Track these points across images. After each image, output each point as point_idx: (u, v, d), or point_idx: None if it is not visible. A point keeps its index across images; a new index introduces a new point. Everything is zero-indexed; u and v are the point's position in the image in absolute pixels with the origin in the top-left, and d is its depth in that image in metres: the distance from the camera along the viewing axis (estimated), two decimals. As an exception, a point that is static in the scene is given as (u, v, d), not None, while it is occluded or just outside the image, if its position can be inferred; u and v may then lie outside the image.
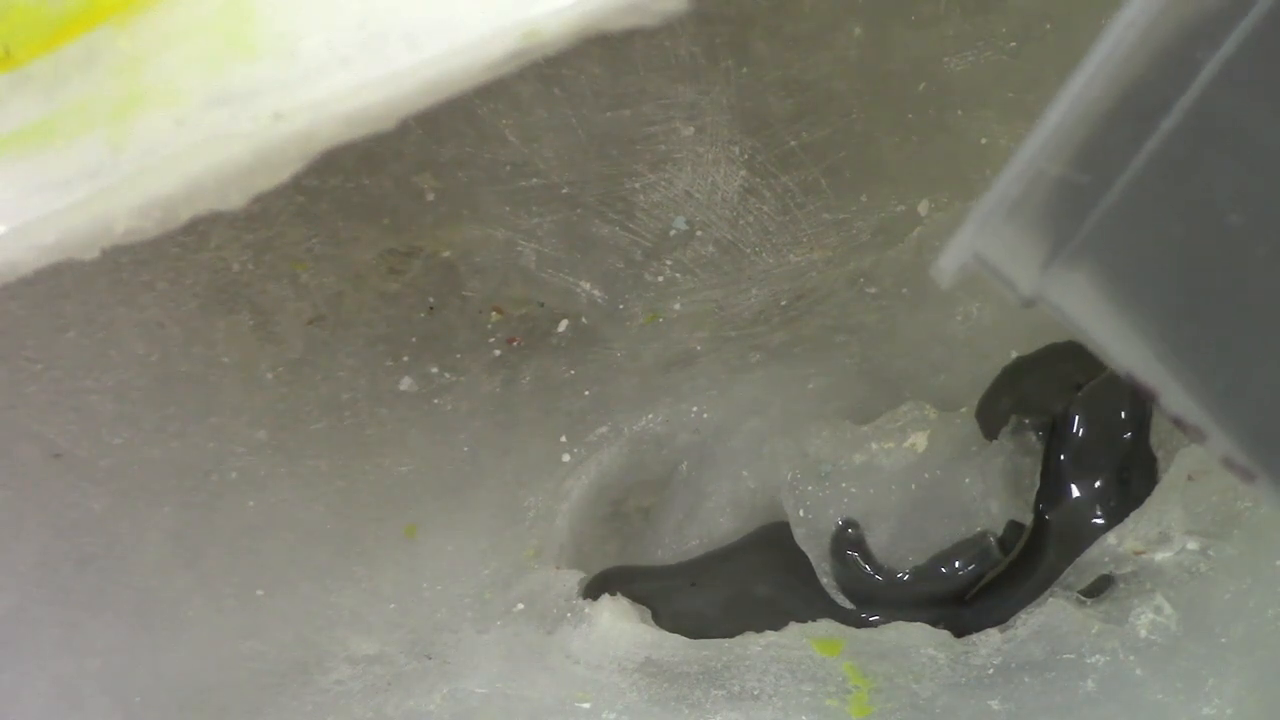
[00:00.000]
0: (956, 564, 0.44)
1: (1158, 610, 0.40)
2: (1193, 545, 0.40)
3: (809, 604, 0.45)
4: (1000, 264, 0.25)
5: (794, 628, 0.44)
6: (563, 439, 0.49)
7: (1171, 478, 0.42)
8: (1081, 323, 0.25)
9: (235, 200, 0.26)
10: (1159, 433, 0.44)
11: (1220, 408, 0.25)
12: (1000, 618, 0.43)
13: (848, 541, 0.44)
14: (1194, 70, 0.22)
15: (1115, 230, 0.24)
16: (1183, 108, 0.23)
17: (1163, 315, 0.25)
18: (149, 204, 0.26)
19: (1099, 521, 0.43)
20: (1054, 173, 0.23)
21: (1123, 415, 0.44)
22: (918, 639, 0.42)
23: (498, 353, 0.49)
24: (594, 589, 0.46)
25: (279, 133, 0.25)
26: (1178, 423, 0.26)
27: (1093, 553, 0.42)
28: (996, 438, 0.45)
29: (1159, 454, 0.44)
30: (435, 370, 0.48)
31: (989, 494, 0.44)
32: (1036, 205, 0.24)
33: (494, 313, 0.49)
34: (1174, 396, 0.25)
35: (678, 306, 0.49)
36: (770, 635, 0.43)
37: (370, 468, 0.47)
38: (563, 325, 0.49)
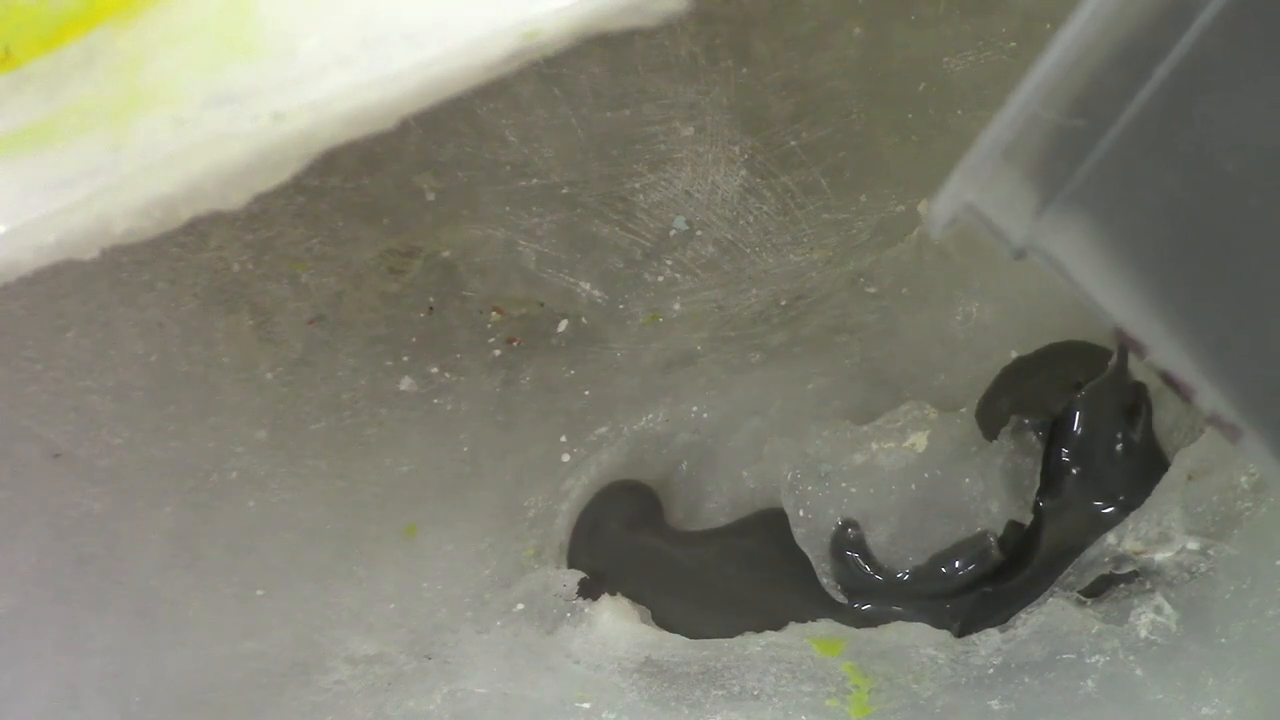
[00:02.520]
0: (956, 564, 0.44)
1: (1158, 610, 0.40)
2: (1193, 545, 0.40)
3: (809, 604, 0.45)
4: (992, 213, 0.25)
5: (794, 628, 0.44)
6: (563, 439, 0.49)
7: (1171, 478, 0.42)
8: (1073, 273, 0.25)
9: (235, 200, 0.26)
10: (1159, 433, 0.44)
11: (1210, 362, 0.25)
12: (1000, 618, 0.43)
13: (848, 541, 0.44)
14: (1189, 17, 0.22)
15: (1108, 178, 0.23)
16: (1178, 54, 0.22)
17: (1155, 266, 0.24)
18: (149, 204, 0.26)
19: (1099, 522, 0.43)
20: (1047, 117, 0.23)
21: (1123, 415, 0.44)
22: (918, 639, 0.42)
23: (498, 353, 0.49)
24: (604, 496, 0.47)
25: (279, 133, 0.25)
26: (1166, 379, 0.25)
27: (1093, 553, 0.42)
28: (996, 438, 0.45)
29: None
30: (435, 370, 0.48)
31: (989, 494, 0.44)
32: (1030, 151, 0.23)
33: (494, 313, 0.49)
34: (1164, 351, 0.25)
35: (678, 306, 0.49)
36: (770, 635, 0.43)
37: (370, 468, 0.47)
38: (563, 325, 0.49)
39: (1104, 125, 0.23)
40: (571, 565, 0.47)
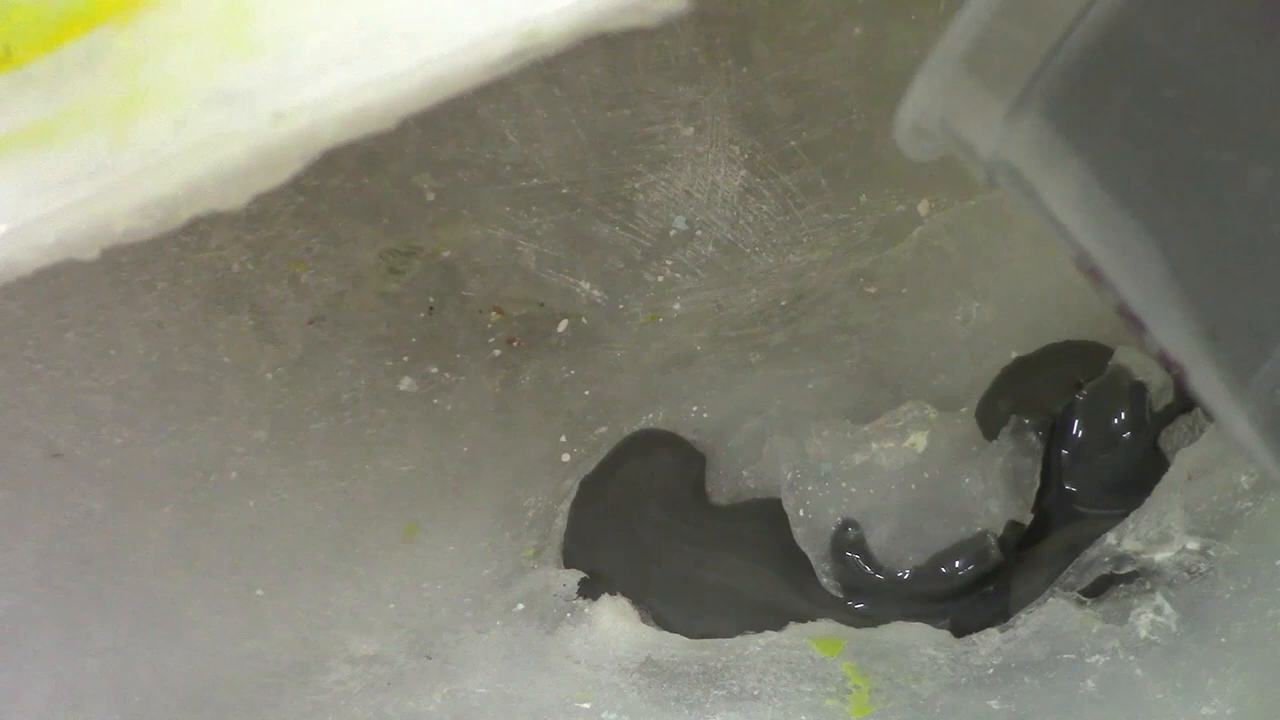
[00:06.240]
0: (956, 564, 0.44)
1: (1158, 610, 0.40)
2: (1193, 545, 0.40)
3: (809, 603, 0.45)
4: (959, 123, 0.24)
5: (794, 628, 0.44)
6: (563, 439, 0.49)
7: (1171, 478, 0.42)
8: (1039, 192, 0.24)
9: (235, 200, 0.26)
10: (1159, 433, 0.44)
11: (1163, 295, 0.24)
12: (1000, 618, 0.43)
13: (848, 541, 0.44)
14: None
15: (1071, 87, 0.23)
16: None
17: (1115, 186, 0.23)
18: (149, 204, 0.26)
19: (1099, 521, 0.43)
20: (997, 28, 0.23)
21: (1123, 415, 0.44)
22: (918, 639, 0.42)
23: (498, 353, 0.49)
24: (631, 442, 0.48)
25: (279, 133, 0.25)
26: (1120, 313, 0.25)
27: (1093, 553, 0.42)
28: (996, 438, 0.45)
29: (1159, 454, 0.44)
30: (435, 370, 0.48)
31: (989, 494, 0.44)
32: (990, 55, 0.23)
33: (494, 313, 0.49)
34: (1119, 282, 0.24)
35: (678, 306, 0.49)
36: (770, 635, 0.43)
37: (370, 468, 0.47)
38: (563, 325, 0.49)
39: (1062, 33, 0.22)
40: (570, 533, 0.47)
